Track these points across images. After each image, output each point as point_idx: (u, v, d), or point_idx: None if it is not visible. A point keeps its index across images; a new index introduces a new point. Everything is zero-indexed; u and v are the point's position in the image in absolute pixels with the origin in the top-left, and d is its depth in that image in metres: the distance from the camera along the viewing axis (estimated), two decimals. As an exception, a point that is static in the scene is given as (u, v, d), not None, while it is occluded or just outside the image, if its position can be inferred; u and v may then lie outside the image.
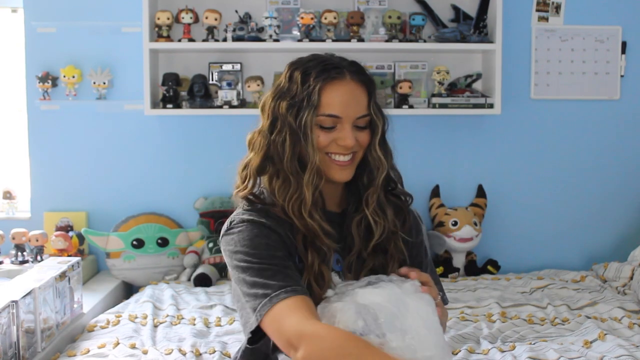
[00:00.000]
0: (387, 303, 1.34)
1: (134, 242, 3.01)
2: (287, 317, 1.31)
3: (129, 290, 3.06)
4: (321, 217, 1.45)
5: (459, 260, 3.14)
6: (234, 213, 1.51)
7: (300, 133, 1.43)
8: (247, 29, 2.96)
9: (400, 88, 3.03)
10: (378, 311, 1.33)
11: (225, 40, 2.96)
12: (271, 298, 1.33)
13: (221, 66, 3.08)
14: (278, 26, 2.97)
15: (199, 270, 2.94)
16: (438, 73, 3.04)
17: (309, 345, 1.27)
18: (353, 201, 1.54)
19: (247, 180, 1.50)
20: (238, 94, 3.00)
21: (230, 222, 1.48)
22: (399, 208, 1.56)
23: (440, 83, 3.06)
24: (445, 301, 1.56)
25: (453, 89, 3.11)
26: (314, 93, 1.42)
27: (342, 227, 1.52)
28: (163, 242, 3.04)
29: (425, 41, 3.04)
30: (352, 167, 1.49)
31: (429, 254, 1.48)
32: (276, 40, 2.95)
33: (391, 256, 1.51)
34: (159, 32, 2.97)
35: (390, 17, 3.00)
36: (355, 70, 1.48)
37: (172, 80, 3.00)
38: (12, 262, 2.77)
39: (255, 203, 1.49)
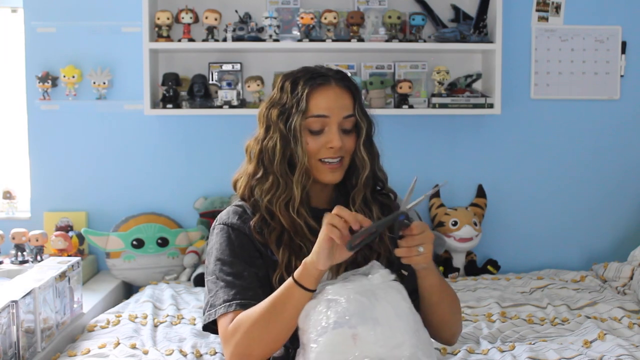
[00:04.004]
0: (355, 295, 1.39)
1: (134, 242, 3.01)
2: (221, 327, 1.53)
3: (129, 290, 3.06)
4: (307, 213, 1.58)
5: (458, 260, 3.14)
6: (224, 210, 1.67)
7: (290, 136, 1.55)
8: (247, 29, 2.96)
9: (400, 88, 3.03)
10: (348, 304, 1.38)
11: (225, 40, 2.96)
12: (216, 310, 1.53)
13: (221, 66, 3.09)
14: (278, 26, 2.97)
15: (199, 270, 2.94)
16: (438, 73, 3.04)
17: (230, 345, 1.49)
18: (342, 200, 1.63)
19: (240, 182, 1.65)
20: (238, 94, 3.00)
21: (215, 221, 1.65)
22: (385, 206, 1.67)
23: (440, 83, 3.06)
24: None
25: (453, 89, 3.11)
26: (302, 98, 1.55)
27: None
28: (163, 242, 3.04)
29: (425, 41, 3.04)
30: (341, 169, 1.60)
31: None
32: (276, 40, 2.95)
33: (375, 251, 1.59)
34: (159, 32, 2.97)
35: (390, 17, 3.00)
36: (340, 78, 1.60)
37: (172, 80, 3.00)
38: (12, 262, 2.77)
39: (242, 202, 1.64)
